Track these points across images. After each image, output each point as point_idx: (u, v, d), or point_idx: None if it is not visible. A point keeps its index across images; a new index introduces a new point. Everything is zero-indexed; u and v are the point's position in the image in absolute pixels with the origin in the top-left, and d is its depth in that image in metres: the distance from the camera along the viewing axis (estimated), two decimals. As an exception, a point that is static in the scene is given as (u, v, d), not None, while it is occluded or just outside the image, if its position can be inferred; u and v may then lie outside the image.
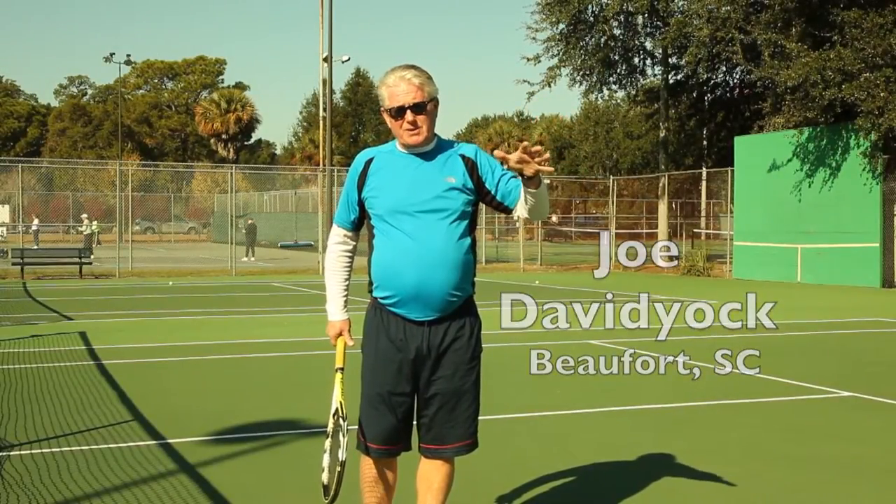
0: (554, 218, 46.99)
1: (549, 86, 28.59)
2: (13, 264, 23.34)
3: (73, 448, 5.48)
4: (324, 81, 30.40)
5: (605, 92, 30.05)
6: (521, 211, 3.43)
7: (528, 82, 29.06)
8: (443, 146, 3.47)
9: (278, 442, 5.72)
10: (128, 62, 63.12)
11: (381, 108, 3.43)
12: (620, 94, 31.40)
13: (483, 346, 3.56)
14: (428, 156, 3.42)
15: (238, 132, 62.40)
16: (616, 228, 31.64)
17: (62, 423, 6.19)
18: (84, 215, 33.20)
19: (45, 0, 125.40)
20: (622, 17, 28.21)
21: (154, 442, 5.67)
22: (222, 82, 78.88)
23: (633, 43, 29.09)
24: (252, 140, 70.59)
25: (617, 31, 28.52)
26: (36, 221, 37.52)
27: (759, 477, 4.99)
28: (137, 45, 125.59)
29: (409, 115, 3.32)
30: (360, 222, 3.55)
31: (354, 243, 3.61)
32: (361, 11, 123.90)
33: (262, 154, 76.95)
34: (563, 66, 28.41)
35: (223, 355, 9.57)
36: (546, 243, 34.99)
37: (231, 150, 61.96)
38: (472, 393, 3.49)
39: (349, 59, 36.94)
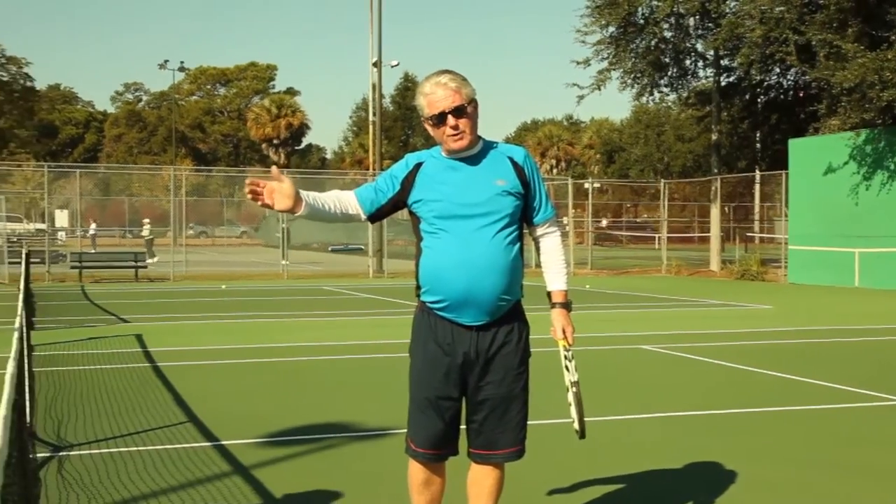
0: (604, 222, 46.69)
1: (599, 89, 28.38)
2: (72, 268, 23.86)
3: (129, 449, 5.58)
4: (373, 86, 30.56)
5: (656, 95, 29.70)
6: (537, 249, 3.62)
7: (578, 85, 28.88)
8: (489, 148, 3.45)
9: (330, 445, 5.76)
10: (181, 69, 64.18)
11: (422, 118, 3.41)
12: (671, 96, 31.03)
13: (532, 350, 3.55)
14: (475, 159, 3.40)
15: (289, 137, 63.13)
16: (667, 232, 31.31)
17: (119, 424, 6.30)
18: (146, 220, 33.76)
19: (103, 9, 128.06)
20: (673, 20, 27.90)
21: (208, 443, 5.75)
22: (273, 88, 79.82)
23: (684, 45, 28.75)
24: (303, 145, 71.32)
25: (668, 34, 28.23)
26: (93, 226, 38.28)
27: (814, 485, 4.91)
28: (191, 52, 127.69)
29: (450, 120, 3.30)
30: (381, 214, 3.47)
31: (357, 213, 3.41)
32: (410, 16, 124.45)
33: (312, 158, 77.62)
34: (614, 69, 28.19)
35: (276, 358, 9.67)
36: (596, 247, 34.79)
37: (282, 154, 62.68)
38: (522, 398, 3.47)
39: (398, 63, 37.13)
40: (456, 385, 3.40)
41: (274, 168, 3.22)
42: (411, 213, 3.47)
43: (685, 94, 30.81)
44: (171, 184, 27.01)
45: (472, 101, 3.37)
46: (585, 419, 3.53)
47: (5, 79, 52.59)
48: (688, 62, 29.52)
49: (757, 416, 6.78)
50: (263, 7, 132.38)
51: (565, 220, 32.02)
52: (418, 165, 3.44)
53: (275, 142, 62.84)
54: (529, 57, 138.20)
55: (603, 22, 27.56)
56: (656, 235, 35.68)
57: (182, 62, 65.43)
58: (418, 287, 3.46)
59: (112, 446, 5.65)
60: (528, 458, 3.69)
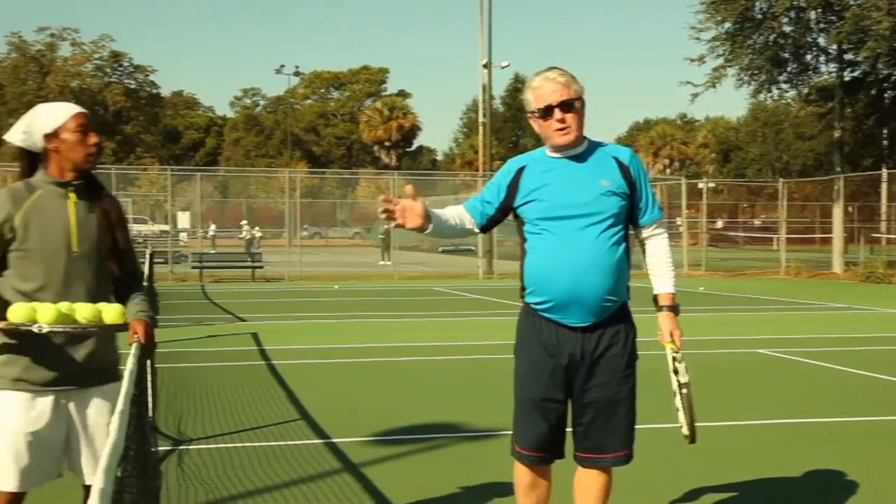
0: (720, 223, 45.54)
1: (714, 87, 27.67)
2: (193, 268, 24.76)
3: (244, 444, 5.74)
4: (483, 87, 30.65)
5: (775, 92, 28.74)
6: (643, 251, 3.55)
7: (692, 83, 28.21)
8: (594, 148, 3.40)
9: (439, 445, 5.79)
10: (297, 73, 65.85)
11: (528, 114, 3.38)
12: (791, 93, 29.99)
13: (639, 353, 3.48)
14: (580, 158, 3.35)
15: (400, 139, 63.88)
16: (787, 233, 30.29)
17: (235, 419, 6.50)
18: (244, 222, 34.77)
19: (222, 18, 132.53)
20: (792, 13, 26.98)
21: (319, 441, 5.86)
22: (385, 91, 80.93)
23: (805, 39, 27.74)
24: (414, 146, 72.01)
25: (787, 28, 27.29)
26: (213, 227, 39.62)
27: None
28: (305, 57, 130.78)
29: (557, 114, 3.27)
30: (491, 225, 3.48)
31: (471, 228, 3.44)
32: (521, 17, 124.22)
33: (423, 160, 78.39)
34: (730, 66, 27.45)
35: (386, 358, 9.79)
36: (711, 248, 33.95)
37: (394, 156, 63.50)
38: (629, 402, 3.41)
39: (508, 64, 37.09)
40: (561, 387, 3.36)
41: (409, 187, 3.25)
42: (515, 215, 3.45)
43: (805, 91, 29.71)
44: (286, 186, 27.71)
45: (580, 98, 3.33)
46: (696, 424, 3.43)
47: (133, 87, 55.09)
48: (808, 57, 28.46)
49: (880, 425, 6.48)
50: (376, 11, 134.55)
51: (678, 220, 31.36)
52: (521, 169, 3.41)
53: (386, 144, 63.71)
54: (641, 55, 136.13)
55: (718, 18, 26.86)
56: (774, 236, 34.58)
57: (297, 67, 67.35)
58: (523, 288, 3.44)
59: (228, 441, 5.82)
60: (638, 463, 3.62)
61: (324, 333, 12.24)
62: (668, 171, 59.42)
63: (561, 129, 3.29)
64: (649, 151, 61.12)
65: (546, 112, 3.29)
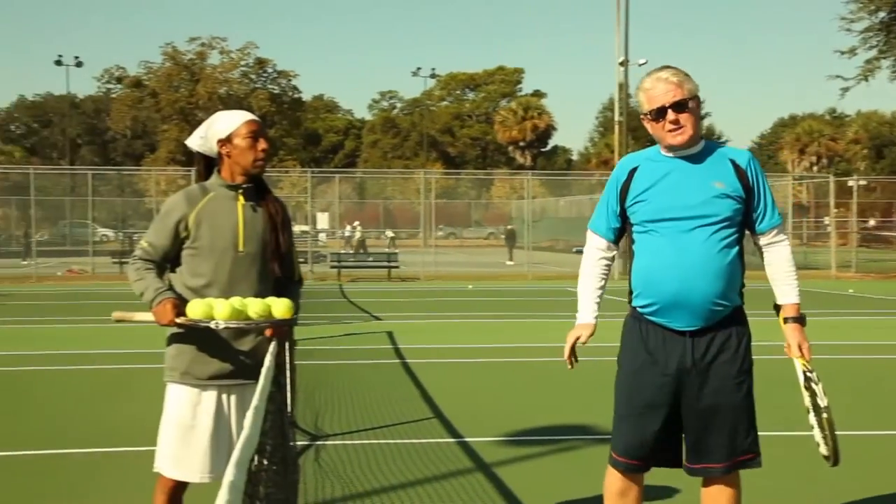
0: (872, 222, 43.35)
1: (867, 79, 26.37)
2: (331, 267, 25.43)
3: (378, 441, 5.85)
4: (620, 85, 30.20)
5: (933, 83, 27.16)
6: (762, 259, 3.40)
7: (842, 77, 27.02)
8: (711, 149, 3.29)
9: (572, 447, 5.74)
10: (433, 76, 66.52)
11: (641, 116, 3.30)
12: (951, 84, 28.24)
13: (762, 358, 3.31)
14: (694, 159, 3.25)
15: (535, 139, 63.69)
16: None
17: (370, 416, 6.63)
18: (356, 223, 35.39)
19: (361, 22, 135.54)
20: (953, 0, 25.42)
21: (452, 440, 5.91)
22: (520, 91, 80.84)
23: (968, 27, 26.09)
24: (549, 146, 71.69)
25: (948, 15, 25.75)
26: (348, 228, 40.56)
27: None
28: (441, 59, 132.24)
29: (670, 115, 3.18)
30: (621, 233, 3.42)
31: (614, 253, 3.47)
32: (659, 13, 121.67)
33: (558, 160, 77.89)
34: (884, 58, 26.10)
35: (518, 358, 9.79)
36: (862, 249, 32.34)
37: (528, 156, 63.38)
38: (744, 409, 3.24)
39: (646, 62, 36.24)
40: (665, 395, 3.24)
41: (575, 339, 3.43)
42: (625, 217, 3.36)
43: (968, 81, 27.95)
44: (422, 187, 28.08)
45: (695, 98, 3.23)
46: (838, 445, 3.23)
47: (276, 91, 56.94)
48: (970, 46, 26.76)
49: None
50: (511, 12, 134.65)
51: (826, 220, 30.03)
52: (633, 170, 3.33)
53: (521, 144, 63.65)
54: (786, 49, 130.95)
55: (872, 7, 25.61)
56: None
57: (433, 69, 67.73)
58: (630, 292, 3.35)
59: (363, 437, 5.95)
60: (775, 475, 3.48)
61: (457, 333, 12.34)
62: (815, 168, 56.98)
63: (674, 130, 3.20)
64: (795, 148, 58.76)
65: (659, 113, 3.20)
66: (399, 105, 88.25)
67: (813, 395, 3.25)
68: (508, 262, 31.74)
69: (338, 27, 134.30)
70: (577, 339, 3.42)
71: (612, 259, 3.48)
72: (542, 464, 5.39)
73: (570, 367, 3.45)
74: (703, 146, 3.28)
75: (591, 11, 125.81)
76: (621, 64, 29.43)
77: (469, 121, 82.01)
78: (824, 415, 3.19)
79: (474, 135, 79.65)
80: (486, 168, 69.98)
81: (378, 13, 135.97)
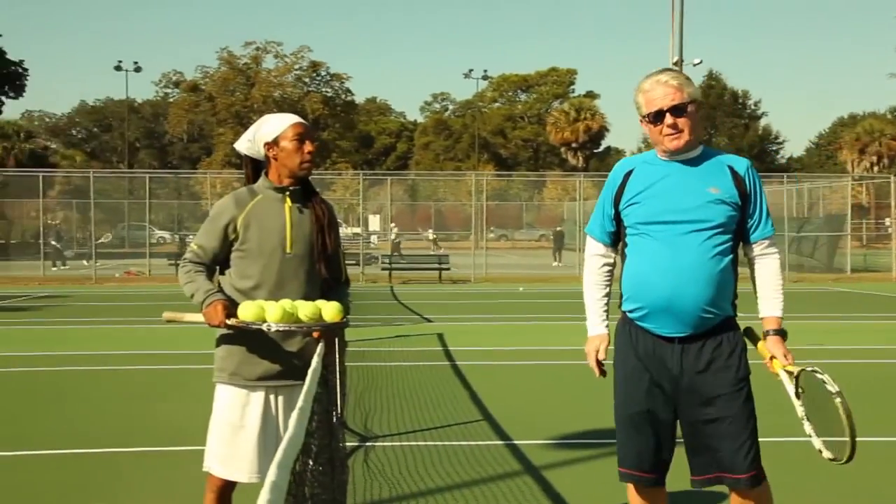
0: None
1: (929, 77, 25.68)
2: (383, 269, 25.55)
3: (427, 443, 5.87)
4: (673, 86, 29.85)
5: None
6: (751, 270, 3.29)
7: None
8: (709, 155, 3.23)
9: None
10: (485, 77, 66.62)
11: (640, 118, 3.25)
12: None
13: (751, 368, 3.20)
14: (691, 164, 3.20)
15: (587, 140, 63.31)
16: None
17: (419, 418, 6.65)
18: (392, 225, 35.46)
19: (415, 26, 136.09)
20: None
21: (501, 442, 5.90)
22: (573, 92, 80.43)
23: None
24: (601, 148, 71.19)
25: None
26: (395, 229, 40.71)
27: None
28: (494, 61, 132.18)
29: (668, 119, 3.14)
30: (617, 237, 3.37)
31: (613, 257, 3.43)
32: (714, 12, 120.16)
33: (610, 161, 77.21)
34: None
35: (568, 361, 9.72)
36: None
37: (580, 158, 63.02)
38: (744, 419, 3.12)
39: (701, 61, 35.98)
40: (660, 401, 3.19)
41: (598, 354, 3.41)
42: (619, 220, 3.31)
43: None
44: (473, 188, 28.08)
45: (694, 101, 3.18)
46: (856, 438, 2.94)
47: (329, 94, 57.42)
48: None
49: None
50: (564, 13, 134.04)
51: (888, 221, 29.34)
52: (629, 173, 3.29)
53: (573, 145, 63.31)
54: (845, 46, 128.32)
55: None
56: None
57: (485, 70, 68.06)
58: (620, 296, 3.31)
59: (412, 439, 5.97)
60: (800, 486, 3.41)
61: (508, 335, 12.31)
62: (875, 168, 55.75)
63: (671, 135, 3.15)
64: (854, 148, 57.54)
65: (656, 117, 3.16)
66: (451, 107, 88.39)
67: (799, 398, 3.09)
68: (554, 264, 31.65)
69: (391, 30, 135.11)
70: (597, 351, 3.39)
71: (613, 264, 3.45)
72: (592, 467, 5.35)
73: (599, 375, 3.43)
74: (701, 151, 3.23)
75: (645, 11, 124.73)
76: (675, 64, 29.10)
77: (521, 122, 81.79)
78: (837, 399, 2.91)
79: (526, 136, 79.42)
80: (538, 170, 69.79)
81: (431, 15, 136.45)
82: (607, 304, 3.46)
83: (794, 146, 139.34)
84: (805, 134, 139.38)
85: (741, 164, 3.25)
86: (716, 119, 69.39)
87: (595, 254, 3.44)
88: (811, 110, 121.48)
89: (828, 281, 24.52)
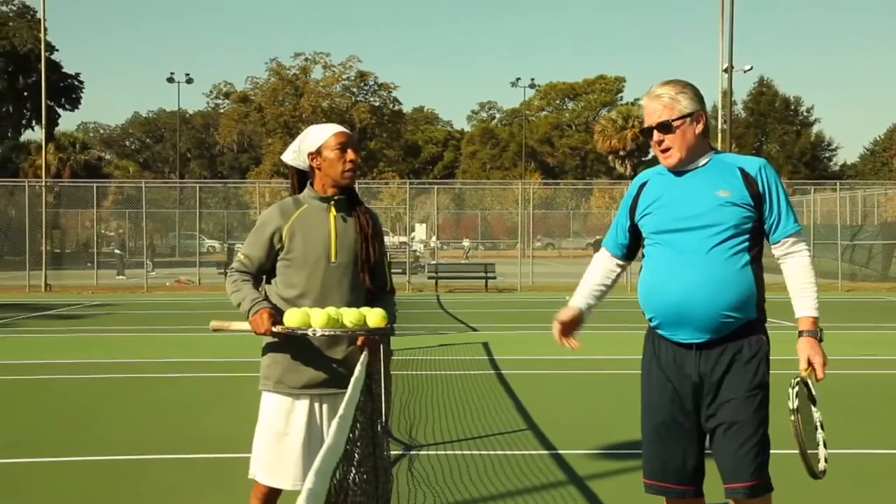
0: None
1: None
2: (429, 278, 25.60)
3: (471, 452, 5.86)
4: (723, 93, 29.60)
5: None
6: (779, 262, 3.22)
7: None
8: (720, 160, 3.20)
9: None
10: (532, 86, 66.46)
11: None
12: None
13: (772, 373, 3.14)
14: (700, 172, 3.17)
15: (635, 148, 62.83)
16: None
17: (463, 427, 6.65)
18: (414, 234, 35.41)
19: (462, 34, 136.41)
20: None
21: (546, 452, 5.88)
22: (621, 100, 79.97)
23: None
24: (649, 156, 70.60)
25: None
26: (434, 239, 40.77)
27: None
28: (541, 69, 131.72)
29: (655, 135, 3.14)
30: (631, 250, 3.38)
31: (619, 266, 3.44)
32: (764, 19, 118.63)
33: (659, 169, 76.61)
34: None
35: (614, 370, 9.66)
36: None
37: (628, 166, 62.56)
38: (753, 426, 3.06)
39: (751, 68, 35.57)
40: (682, 410, 3.15)
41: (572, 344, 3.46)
42: (637, 231, 3.32)
43: None
44: (520, 197, 28.04)
45: (686, 116, 3.14)
46: (809, 453, 2.97)
47: (377, 104, 57.80)
48: None
49: None
50: (612, 20, 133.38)
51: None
52: (642, 186, 3.29)
53: (621, 153, 62.86)
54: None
55: None
56: None
57: (532, 79, 67.78)
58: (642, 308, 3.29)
59: (456, 448, 5.97)
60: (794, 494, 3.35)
61: (553, 344, 12.19)
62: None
63: (664, 152, 3.16)
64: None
65: (646, 133, 3.18)
66: (498, 116, 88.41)
67: (813, 407, 3.05)
68: None
69: (438, 39, 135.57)
70: (560, 320, 3.43)
71: (616, 269, 3.47)
72: (637, 478, 5.28)
73: (564, 345, 3.53)
74: (711, 159, 3.20)
75: (694, 17, 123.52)
76: (725, 71, 28.82)
77: (568, 130, 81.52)
78: (791, 417, 2.93)
79: (573, 144, 79.12)
80: (586, 178, 69.44)
81: (477, 25, 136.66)
82: (600, 293, 3.49)
83: (847, 153, 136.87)
84: (859, 140, 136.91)
85: (753, 164, 3.20)
86: (766, 126, 68.49)
87: (602, 256, 3.49)
88: (866, 116, 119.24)
89: (882, 290, 24.03)
